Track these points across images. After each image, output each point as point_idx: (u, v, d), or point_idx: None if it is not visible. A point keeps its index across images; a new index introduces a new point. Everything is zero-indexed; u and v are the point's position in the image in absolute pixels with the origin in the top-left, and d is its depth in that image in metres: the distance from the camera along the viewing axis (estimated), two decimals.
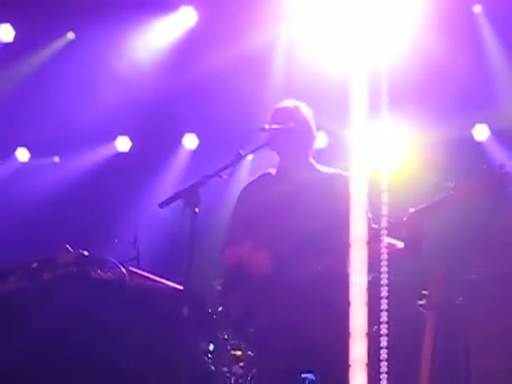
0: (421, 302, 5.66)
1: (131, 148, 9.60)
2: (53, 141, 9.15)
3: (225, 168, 4.02)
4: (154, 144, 9.48)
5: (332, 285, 4.04)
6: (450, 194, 3.72)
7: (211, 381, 6.55)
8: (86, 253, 4.10)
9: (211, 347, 6.84)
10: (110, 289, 3.94)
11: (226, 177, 3.99)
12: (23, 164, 9.56)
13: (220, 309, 6.40)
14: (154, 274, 4.71)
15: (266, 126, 4.23)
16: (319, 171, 4.39)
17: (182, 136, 9.57)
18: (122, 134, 9.55)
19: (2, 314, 3.97)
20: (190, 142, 9.60)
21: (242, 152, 4.08)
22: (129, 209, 9.23)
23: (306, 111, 4.44)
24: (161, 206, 3.80)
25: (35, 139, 9.30)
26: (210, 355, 6.83)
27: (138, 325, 3.92)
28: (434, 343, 5.54)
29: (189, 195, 3.82)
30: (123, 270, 4.05)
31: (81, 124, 8.85)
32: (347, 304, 4.22)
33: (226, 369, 6.75)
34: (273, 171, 4.46)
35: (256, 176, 4.55)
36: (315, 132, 4.45)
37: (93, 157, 9.41)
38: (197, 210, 3.79)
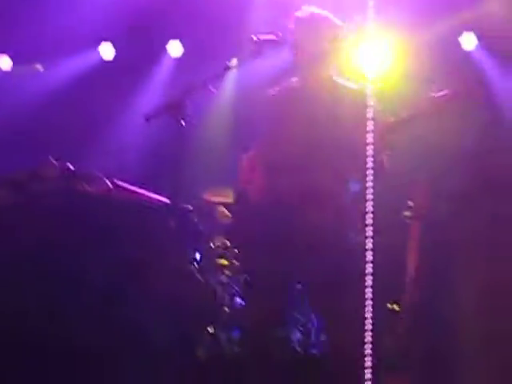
0: (406, 213, 5.68)
1: (115, 56, 9.42)
2: (35, 48, 8.99)
3: (212, 80, 3.95)
4: (137, 51, 9.33)
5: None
6: (424, 107, 3.72)
7: (197, 290, 6.62)
8: (70, 166, 4.06)
9: (197, 256, 6.89)
10: (96, 203, 3.92)
11: (213, 89, 3.93)
12: (5, 73, 9.40)
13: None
14: (141, 187, 4.72)
15: (254, 38, 4.14)
16: (335, 82, 4.34)
17: (166, 43, 9.41)
18: (106, 40, 9.36)
19: None
20: (175, 49, 9.45)
21: (229, 64, 4.01)
22: (114, 118, 9.15)
23: (310, 18, 4.32)
24: (147, 118, 3.74)
25: (17, 46, 9.13)
26: (196, 264, 6.89)
27: (124, 238, 3.92)
28: (419, 254, 5.59)
29: (175, 108, 3.77)
30: (109, 183, 4.02)
31: (64, 30, 8.68)
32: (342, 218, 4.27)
33: (211, 278, 6.81)
34: (294, 81, 4.41)
35: (279, 86, 4.50)
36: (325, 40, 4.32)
37: (77, 65, 9.27)
38: (183, 122, 3.75)
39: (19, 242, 3.85)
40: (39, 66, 9.43)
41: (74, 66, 9.29)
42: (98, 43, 9.38)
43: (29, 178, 4.01)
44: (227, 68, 3.99)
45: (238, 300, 6.91)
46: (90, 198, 3.92)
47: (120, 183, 4.18)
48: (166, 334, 3.71)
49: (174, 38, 9.35)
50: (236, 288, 6.84)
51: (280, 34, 4.20)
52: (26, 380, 3.83)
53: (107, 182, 4.05)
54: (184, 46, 9.40)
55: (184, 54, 9.45)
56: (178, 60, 9.49)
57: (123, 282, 3.97)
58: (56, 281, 3.76)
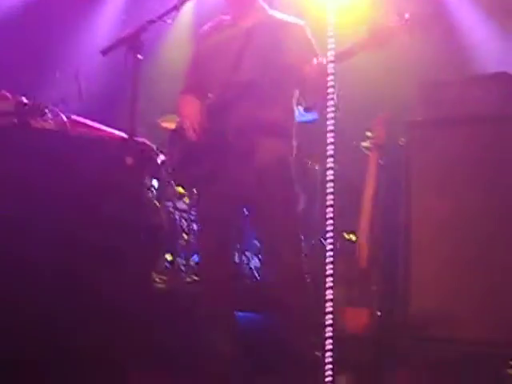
0: (364, 144, 5.68)
1: None
2: None
3: (168, 12, 3.87)
4: None
5: (275, 138, 4.05)
6: (363, 39, 3.68)
7: (155, 215, 6.62)
8: (25, 100, 3.98)
9: (155, 183, 6.88)
10: (52, 138, 3.86)
11: (169, 21, 3.85)
12: None
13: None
14: (97, 118, 4.65)
15: None
16: (271, 17, 4.26)
17: None
18: None
19: None
20: None
21: None
22: (69, 42, 8.95)
23: None
24: (103, 53, 3.67)
25: None
26: (153, 191, 6.89)
27: (81, 173, 3.88)
28: (377, 183, 5.62)
29: (131, 41, 3.70)
30: (64, 118, 3.95)
31: None
32: (289, 153, 4.27)
33: (170, 203, 6.84)
34: (226, 18, 4.32)
35: (211, 23, 4.41)
36: None
37: None
38: (140, 56, 3.68)
39: None
40: None
41: None
42: None
43: None
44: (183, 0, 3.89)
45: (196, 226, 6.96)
46: (46, 134, 3.84)
47: (76, 118, 4.10)
48: (124, 260, 3.68)
49: None
50: (194, 214, 6.88)
51: None
52: None
53: (63, 116, 3.97)
54: None
55: None
56: None
57: (81, 216, 3.93)
58: (10, 220, 3.70)
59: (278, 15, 4.28)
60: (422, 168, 5.64)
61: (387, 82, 6.21)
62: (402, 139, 5.76)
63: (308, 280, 4.12)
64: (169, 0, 3.97)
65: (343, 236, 6.04)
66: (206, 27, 4.42)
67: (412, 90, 5.90)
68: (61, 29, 8.92)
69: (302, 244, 4.60)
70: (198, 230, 4.90)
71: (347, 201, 6.77)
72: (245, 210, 4.83)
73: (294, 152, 4.29)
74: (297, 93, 4.21)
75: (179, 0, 3.89)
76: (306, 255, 6.14)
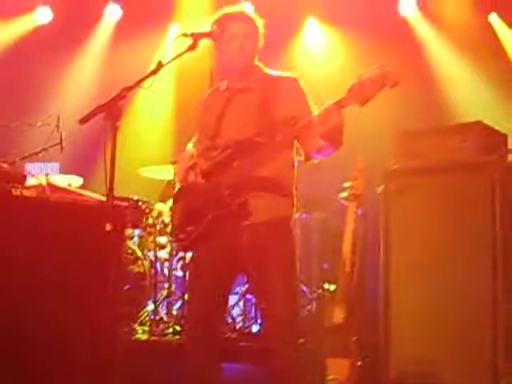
0: (343, 195, 5.75)
1: (52, 20, 9.27)
2: None
3: (145, 78, 3.92)
4: (75, 15, 9.19)
5: (271, 196, 4.08)
6: (344, 97, 3.72)
7: (138, 265, 6.68)
8: (5, 166, 4.03)
9: (136, 232, 6.94)
10: (33, 206, 3.90)
11: (147, 87, 3.90)
12: None
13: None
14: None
15: (188, 32, 4.10)
16: (266, 74, 4.30)
17: (104, 6, 9.31)
18: (43, 4, 9.21)
19: None
20: (113, 12, 9.35)
21: (163, 61, 3.98)
22: (51, 89, 9.04)
23: (243, 13, 4.23)
24: (81, 122, 3.70)
25: None
26: (135, 240, 6.95)
27: (62, 240, 3.93)
28: (356, 234, 5.68)
29: (110, 109, 3.74)
30: (44, 185, 4.00)
31: None
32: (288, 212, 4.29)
33: (151, 253, 6.88)
34: (223, 84, 4.37)
35: (211, 89, 4.47)
36: (259, 37, 4.21)
37: (11, 30, 9.09)
38: (118, 123, 3.73)
39: None
40: None
41: (9, 30, 9.08)
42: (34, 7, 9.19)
43: None
44: (161, 65, 3.95)
45: (179, 274, 7.00)
46: (26, 202, 3.88)
47: (55, 183, 4.15)
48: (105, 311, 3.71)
49: (113, 0, 9.24)
50: (176, 263, 6.92)
51: (214, 28, 4.16)
52: None
53: (43, 181, 4.02)
54: (123, 9, 9.30)
55: (123, 17, 9.35)
56: (117, 23, 9.40)
57: (61, 279, 3.97)
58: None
59: (273, 72, 4.31)
60: (400, 215, 5.72)
61: (364, 131, 6.30)
62: (380, 187, 5.83)
63: (301, 340, 4.11)
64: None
65: (323, 287, 6.10)
66: (207, 94, 4.46)
67: (388, 139, 5.98)
68: (42, 78, 8.99)
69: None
70: (188, 285, 4.84)
71: (328, 251, 6.91)
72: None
73: (295, 210, 4.25)
74: (296, 145, 4.19)
75: (156, 66, 3.93)
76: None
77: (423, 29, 8.40)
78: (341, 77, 8.13)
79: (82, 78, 9.22)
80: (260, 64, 4.30)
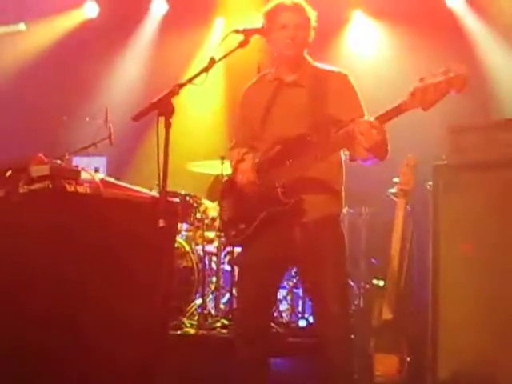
0: (392, 190, 5.73)
1: (99, 15, 9.34)
2: (19, 6, 8.91)
3: (198, 74, 3.92)
4: (121, 9, 9.25)
5: (324, 195, 4.08)
6: (406, 101, 3.65)
7: (187, 259, 6.71)
8: (59, 162, 4.06)
9: (184, 227, 6.97)
10: (86, 202, 3.93)
11: (199, 84, 3.90)
12: None
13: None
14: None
15: (240, 29, 4.09)
16: (315, 67, 4.27)
17: (150, 1, 9.35)
18: None
19: None
20: (159, 6, 9.39)
21: (214, 57, 3.97)
22: (99, 83, 9.12)
23: (295, 3, 4.13)
24: (135, 118, 3.71)
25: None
26: (182, 234, 6.98)
27: (116, 236, 3.96)
28: (404, 230, 5.65)
29: (162, 105, 3.75)
30: (98, 181, 4.03)
31: None
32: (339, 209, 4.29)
33: (199, 247, 6.90)
34: (270, 72, 4.35)
35: (255, 78, 4.44)
36: (310, 29, 4.16)
37: (60, 24, 9.18)
38: (171, 119, 3.73)
39: (8, 245, 3.87)
40: (22, 26, 9.29)
41: (58, 24, 9.17)
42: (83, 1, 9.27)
43: (19, 174, 3.99)
44: (213, 61, 3.94)
45: (227, 268, 7.03)
46: (81, 198, 3.91)
47: (109, 179, 4.17)
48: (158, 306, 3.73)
49: None
50: (224, 258, 6.95)
51: (264, 24, 4.14)
52: None
53: (96, 178, 4.04)
54: (168, 3, 9.33)
55: (168, 12, 9.39)
56: (163, 18, 9.44)
57: (115, 274, 4.01)
58: (57, 288, 3.78)
59: (322, 66, 4.28)
60: (449, 211, 5.68)
61: (414, 127, 6.26)
62: (430, 183, 5.80)
63: (352, 336, 4.10)
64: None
65: (372, 282, 6.08)
66: (249, 84, 4.44)
67: (439, 134, 5.94)
68: (90, 72, 9.07)
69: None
70: (238, 281, 4.83)
71: (376, 247, 6.88)
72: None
73: (343, 207, 4.25)
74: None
75: (208, 62, 3.92)
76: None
77: (470, 21, 8.30)
78: (388, 72, 8.12)
79: (129, 72, 9.28)
80: (309, 57, 4.28)
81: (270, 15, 4.17)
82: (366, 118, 3.79)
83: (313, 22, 4.19)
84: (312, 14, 4.19)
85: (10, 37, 9.13)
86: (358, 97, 4.15)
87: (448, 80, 3.47)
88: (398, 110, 3.65)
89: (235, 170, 4.24)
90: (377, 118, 3.71)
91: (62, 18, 9.20)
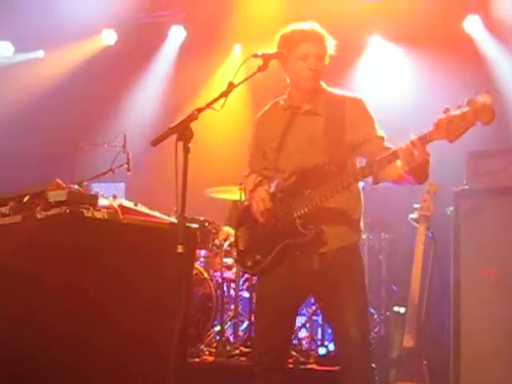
0: (412, 216, 5.69)
1: (117, 42, 9.39)
2: (38, 34, 8.96)
3: (217, 99, 3.89)
4: (139, 37, 9.30)
5: (343, 226, 4.02)
6: (431, 132, 3.57)
7: (205, 286, 6.66)
8: (77, 187, 4.04)
9: (202, 253, 6.93)
10: (104, 227, 3.90)
11: (218, 109, 3.87)
12: (6, 58, 9.37)
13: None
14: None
15: (259, 53, 4.06)
16: (331, 94, 4.21)
17: (168, 28, 9.39)
18: (108, 26, 9.33)
19: None
20: (177, 34, 9.41)
21: (234, 82, 3.94)
22: (117, 109, 9.15)
23: (316, 33, 4.04)
24: (153, 143, 3.68)
25: (19, 33, 9.09)
26: (201, 261, 6.95)
27: (134, 261, 3.93)
28: (426, 255, 5.60)
29: (181, 130, 3.72)
30: (115, 206, 4.00)
31: (66, 16, 8.63)
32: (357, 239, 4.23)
33: (218, 274, 6.86)
34: (283, 100, 4.30)
35: (268, 106, 4.40)
36: (326, 57, 4.07)
37: (78, 51, 9.24)
38: (190, 144, 3.70)
39: (25, 271, 3.84)
40: (41, 53, 9.37)
41: (76, 52, 9.23)
42: (101, 29, 9.31)
43: (36, 199, 3.98)
44: (232, 86, 3.91)
45: (245, 295, 6.98)
46: (99, 224, 3.88)
47: (126, 204, 4.15)
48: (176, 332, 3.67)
49: (177, 23, 9.30)
50: (242, 284, 6.89)
51: (284, 51, 4.09)
52: None
53: (114, 204, 4.02)
54: (187, 30, 9.36)
55: (187, 39, 9.42)
56: (181, 44, 9.47)
57: (131, 299, 3.97)
58: (74, 313, 3.74)
59: (336, 92, 4.22)
60: (471, 237, 5.63)
61: (434, 152, 6.20)
62: (450, 209, 5.76)
63: (373, 364, 4.02)
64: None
65: (392, 309, 6.00)
66: (262, 112, 4.40)
67: (459, 159, 5.90)
68: (107, 100, 9.11)
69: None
70: (256, 308, 4.77)
71: (396, 273, 6.82)
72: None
73: (361, 236, 4.19)
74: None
75: (227, 87, 3.90)
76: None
77: (489, 46, 8.27)
78: (407, 98, 8.09)
79: (147, 98, 9.31)
80: (323, 84, 4.23)
81: (289, 42, 4.07)
82: (411, 138, 3.68)
83: (330, 51, 4.14)
84: (330, 43, 4.14)
85: (29, 64, 9.20)
86: (373, 121, 4.09)
87: (475, 111, 3.36)
88: (422, 140, 3.57)
89: (250, 198, 4.20)
90: (419, 139, 3.63)
91: (80, 46, 9.23)
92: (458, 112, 3.39)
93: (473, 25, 8.39)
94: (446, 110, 3.44)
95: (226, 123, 8.48)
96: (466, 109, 3.38)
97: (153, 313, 4.04)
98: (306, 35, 4.05)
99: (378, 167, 3.74)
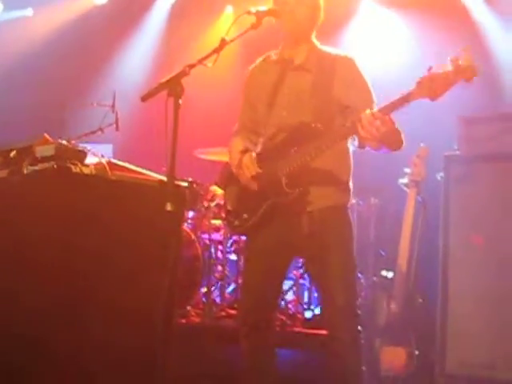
0: (402, 181, 5.66)
1: (108, 0, 9.27)
2: None
3: (209, 55, 3.83)
4: None
5: (329, 187, 3.99)
6: (412, 90, 3.55)
7: (192, 248, 6.62)
8: (65, 143, 3.97)
9: (190, 214, 6.89)
10: (92, 183, 3.85)
11: (210, 65, 3.81)
12: None
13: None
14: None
15: (252, 10, 3.99)
16: (321, 51, 4.17)
17: None
18: None
19: None
20: None
21: (226, 38, 3.88)
22: (107, 68, 9.05)
23: None
24: (143, 99, 3.62)
25: None
26: (189, 222, 6.90)
27: (122, 218, 3.88)
28: (415, 220, 5.59)
29: (172, 85, 3.66)
30: (104, 162, 3.94)
31: None
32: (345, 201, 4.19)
33: (205, 236, 6.82)
34: (274, 54, 4.25)
35: (259, 60, 4.35)
36: (318, 11, 4.08)
37: (68, 9, 9.12)
38: (180, 101, 3.64)
39: (10, 226, 3.78)
40: (29, 11, 9.25)
41: (66, 10, 9.11)
42: None
43: (23, 154, 3.91)
44: (224, 42, 3.85)
45: (233, 257, 6.95)
46: (86, 179, 3.82)
47: (115, 161, 4.08)
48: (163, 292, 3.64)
49: None
50: (230, 246, 6.87)
51: (277, 6, 4.04)
52: None
53: (103, 160, 3.95)
54: None
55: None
56: (173, 4, 9.37)
57: (119, 257, 3.92)
58: (60, 271, 3.69)
59: (329, 49, 4.18)
60: (460, 202, 5.63)
61: (426, 118, 6.18)
62: (441, 174, 5.73)
63: (359, 328, 4.01)
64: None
65: (380, 274, 6.00)
66: (254, 65, 4.35)
67: (450, 125, 5.87)
68: (97, 59, 9.01)
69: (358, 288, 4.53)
70: (243, 269, 4.75)
71: (385, 238, 6.80)
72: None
73: (351, 197, 4.15)
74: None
75: (219, 43, 3.83)
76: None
77: (481, 10, 8.17)
78: (397, 61, 8.02)
79: (138, 58, 9.20)
80: (315, 41, 4.18)
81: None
82: (368, 111, 3.66)
83: (319, 2, 4.09)
84: None
85: (18, 22, 9.08)
86: (365, 80, 4.05)
87: (456, 69, 3.37)
88: (403, 100, 3.55)
89: (238, 174, 4.15)
90: (380, 110, 3.61)
91: (70, 4, 9.13)
92: (440, 70, 3.39)
93: None
94: (429, 69, 3.45)
95: (218, 84, 8.40)
96: (448, 67, 3.39)
97: (141, 271, 3.99)
98: None
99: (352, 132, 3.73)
